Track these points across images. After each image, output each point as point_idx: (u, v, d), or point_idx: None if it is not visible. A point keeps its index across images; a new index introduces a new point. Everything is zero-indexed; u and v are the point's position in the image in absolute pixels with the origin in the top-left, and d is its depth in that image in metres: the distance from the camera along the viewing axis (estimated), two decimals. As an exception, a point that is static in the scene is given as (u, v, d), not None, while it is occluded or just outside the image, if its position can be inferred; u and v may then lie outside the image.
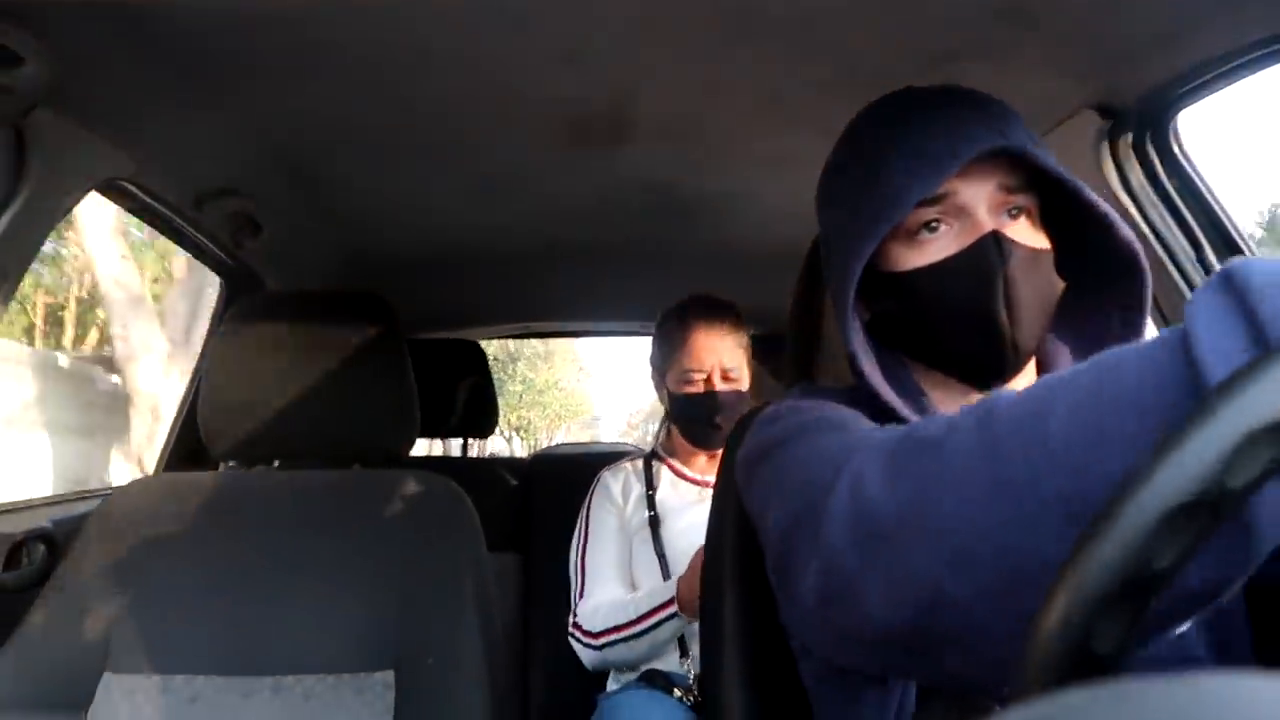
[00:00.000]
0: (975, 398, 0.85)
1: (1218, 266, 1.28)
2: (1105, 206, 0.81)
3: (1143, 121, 1.27)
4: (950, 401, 0.86)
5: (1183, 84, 1.18)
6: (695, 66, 1.25)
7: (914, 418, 0.82)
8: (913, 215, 0.81)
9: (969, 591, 0.54)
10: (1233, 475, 0.40)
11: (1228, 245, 1.29)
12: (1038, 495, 0.50)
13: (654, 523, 1.84)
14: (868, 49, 1.19)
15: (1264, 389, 0.40)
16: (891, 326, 0.88)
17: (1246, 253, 1.28)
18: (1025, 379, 0.86)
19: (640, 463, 1.95)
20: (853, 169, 0.88)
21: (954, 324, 0.81)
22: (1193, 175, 1.30)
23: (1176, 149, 1.29)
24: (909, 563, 0.58)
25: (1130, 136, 1.29)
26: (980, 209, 0.80)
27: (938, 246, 0.81)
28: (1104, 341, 0.86)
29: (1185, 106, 1.24)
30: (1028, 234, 0.81)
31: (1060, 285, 0.83)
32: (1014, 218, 0.81)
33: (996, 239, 0.78)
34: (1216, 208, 1.29)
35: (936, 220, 0.81)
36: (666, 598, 1.65)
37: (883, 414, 0.87)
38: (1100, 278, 0.85)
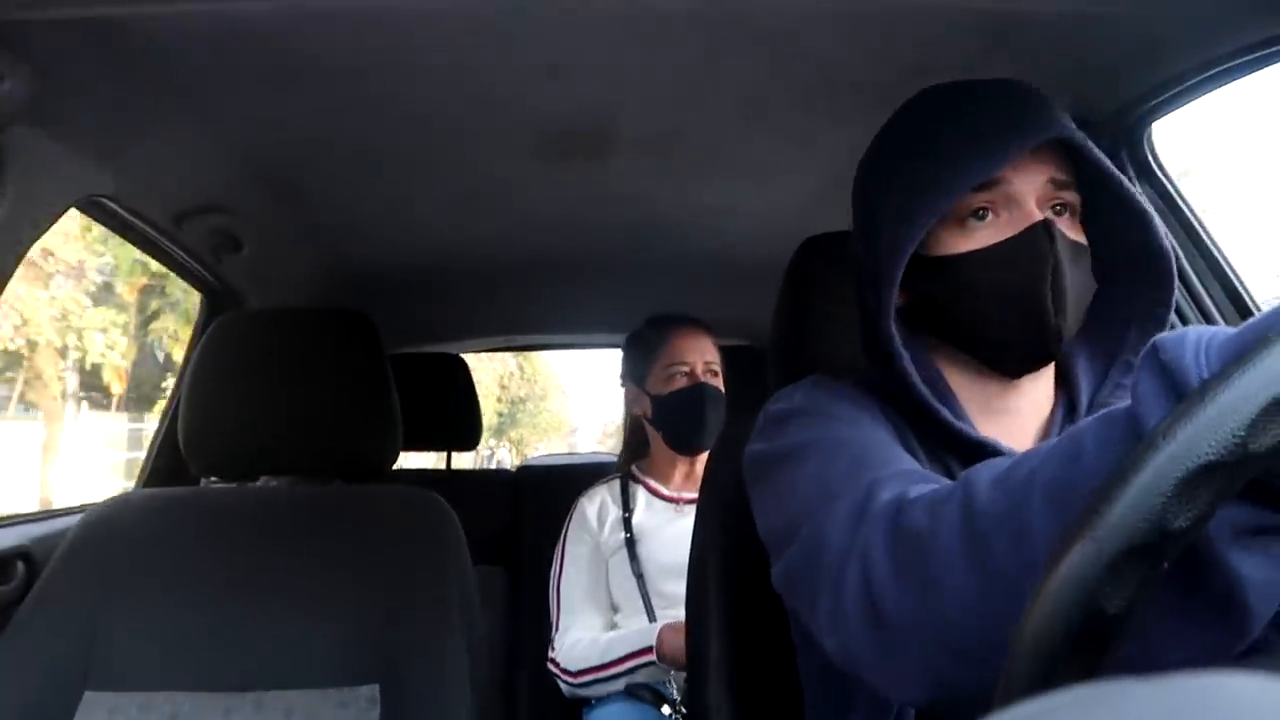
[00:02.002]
0: (995, 387, 0.86)
1: (1193, 276, 1.29)
2: (1147, 206, 0.83)
3: (1117, 133, 1.29)
4: (971, 390, 0.87)
5: (1155, 96, 1.20)
6: (677, 80, 1.26)
7: (934, 403, 0.83)
8: (963, 201, 0.82)
9: (972, 680, 0.57)
10: (1174, 517, 0.40)
11: (1202, 255, 1.31)
12: (1027, 592, 0.52)
13: (630, 544, 1.84)
14: (845, 61, 1.19)
15: (1196, 432, 0.41)
16: (929, 312, 0.88)
17: (1221, 261, 1.29)
18: (1046, 375, 0.88)
19: (616, 485, 1.95)
20: (904, 153, 0.88)
21: (1000, 309, 0.82)
22: (1167, 185, 1.31)
23: (1151, 160, 1.31)
24: (914, 654, 0.61)
25: (1105, 146, 1.30)
26: (1030, 199, 0.81)
27: (986, 234, 0.82)
28: (1120, 347, 0.88)
29: (1159, 118, 1.26)
30: (1072, 230, 0.83)
31: (1094, 285, 0.84)
32: (1059, 214, 0.82)
33: (1047, 227, 0.79)
34: (1191, 218, 1.31)
35: (985, 208, 0.82)
36: (644, 644, 1.65)
37: (895, 401, 0.88)
38: (1128, 282, 0.86)
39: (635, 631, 1.70)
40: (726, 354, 1.94)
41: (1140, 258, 0.85)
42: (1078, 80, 1.22)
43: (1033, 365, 0.84)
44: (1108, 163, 0.81)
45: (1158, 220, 0.83)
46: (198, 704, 1.19)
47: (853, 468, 0.74)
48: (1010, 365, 0.85)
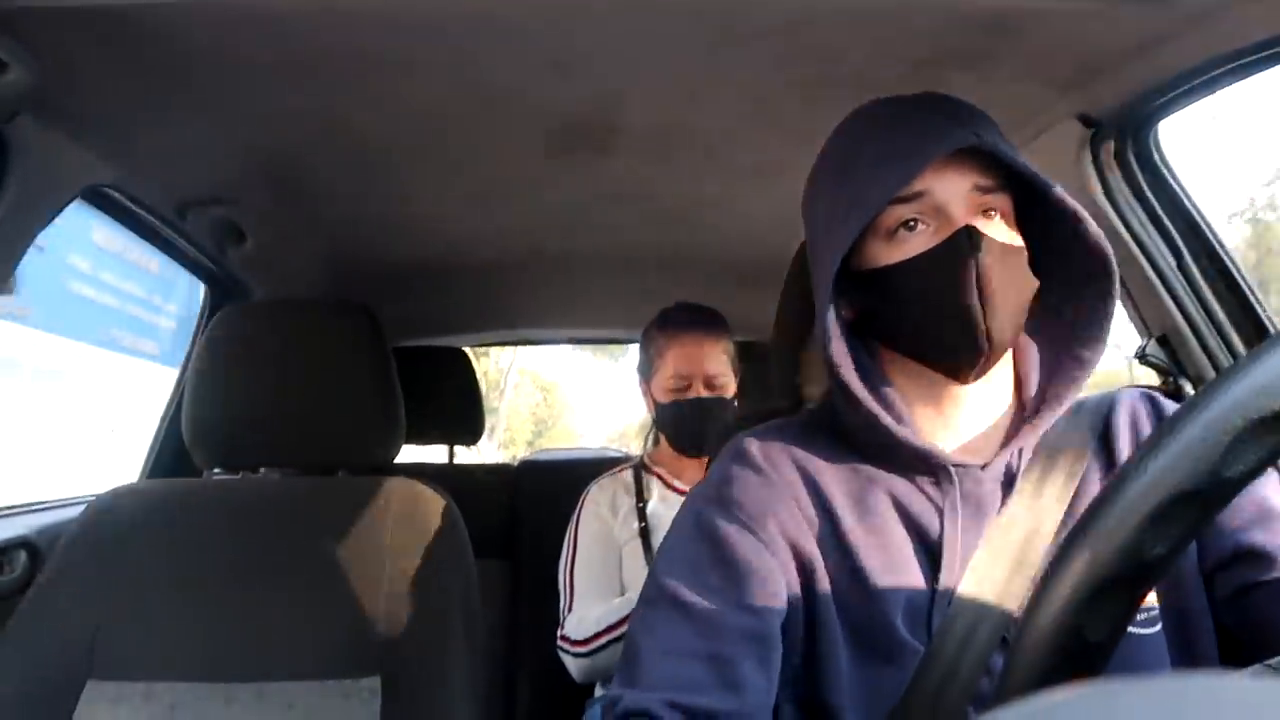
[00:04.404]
0: (948, 394, 0.87)
1: (1197, 274, 1.29)
2: (1074, 204, 0.83)
3: (1124, 131, 1.28)
4: (925, 399, 0.88)
5: (1162, 94, 1.19)
6: (680, 73, 1.26)
7: (885, 417, 0.84)
8: (890, 214, 0.83)
9: None
10: (1227, 466, 0.41)
11: (1208, 253, 1.30)
12: None
13: (645, 534, 1.83)
14: (852, 57, 1.19)
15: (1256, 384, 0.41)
16: (871, 323, 0.90)
17: (1226, 260, 1.29)
18: (999, 375, 0.88)
19: (629, 474, 1.95)
20: (828, 172, 0.90)
21: (929, 316, 0.83)
22: (1173, 183, 1.31)
23: (1157, 158, 1.31)
24: None
25: (1112, 145, 1.30)
26: (955, 207, 0.81)
27: (915, 244, 0.83)
28: (1070, 342, 0.88)
29: (1166, 116, 1.26)
30: (1002, 232, 0.83)
31: (1034, 283, 0.85)
32: (989, 217, 0.83)
33: (969, 233, 0.80)
34: (1197, 216, 1.31)
35: (914, 219, 0.83)
36: None
37: (839, 433, 0.90)
38: (1072, 278, 0.87)
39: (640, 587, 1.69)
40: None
41: (1079, 253, 0.85)
42: (1083, 77, 1.22)
43: (972, 368, 0.84)
44: (1029, 167, 0.81)
45: (1087, 218, 0.83)
46: (199, 694, 1.19)
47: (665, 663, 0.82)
48: (954, 369, 0.85)
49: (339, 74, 1.23)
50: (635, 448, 3.21)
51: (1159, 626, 0.82)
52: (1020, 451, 0.87)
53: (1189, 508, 0.40)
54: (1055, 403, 0.86)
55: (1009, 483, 0.86)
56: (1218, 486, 0.40)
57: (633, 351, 2.13)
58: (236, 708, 1.18)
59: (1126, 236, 1.30)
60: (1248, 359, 0.43)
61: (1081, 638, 0.42)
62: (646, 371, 1.89)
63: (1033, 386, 0.89)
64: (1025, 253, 0.84)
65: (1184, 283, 1.30)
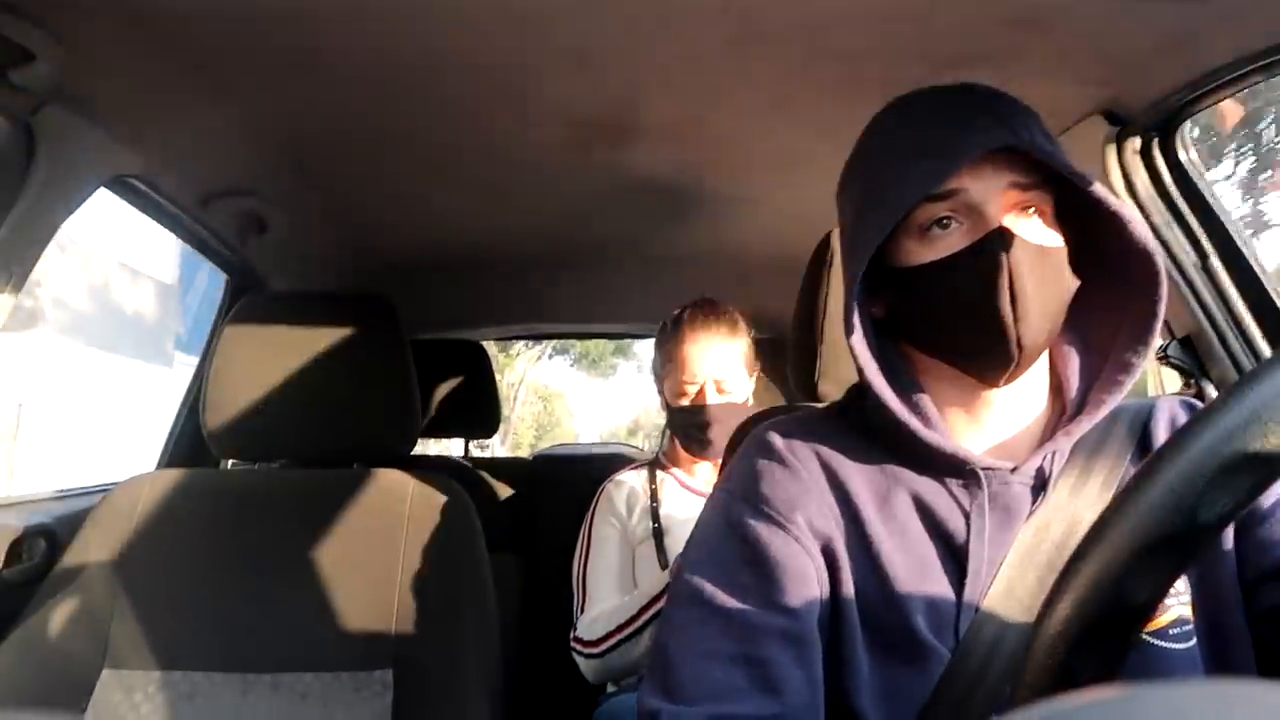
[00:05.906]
0: (980, 396, 0.85)
1: (1223, 274, 1.27)
2: (1117, 204, 0.80)
3: (1150, 128, 1.27)
4: (956, 400, 0.86)
5: (1190, 91, 1.18)
6: (702, 70, 1.25)
7: (911, 420, 0.82)
8: (924, 211, 0.80)
9: None
10: (1205, 510, 0.40)
11: (1232, 254, 1.28)
12: None
13: (658, 534, 1.83)
14: (875, 54, 1.19)
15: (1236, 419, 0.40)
16: (900, 322, 0.88)
17: (1251, 261, 1.27)
18: (1035, 376, 0.86)
19: (644, 474, 1.94)
20: (862, 165, 0.88)
21: (960, 318, 0.80)
22: (1198, 182, 1.29)
23: (1183, 155, 1.29)
24: None
25: (1137, 142, 1.29)
26: (991, 206, 0.79)
27: (948, 243, 0.80)
28: (1113, 345, 0.85)
29: (1192, 114, 1.24)
30: (1040, 232, 0.80)
31: (1074, 284, 0.82)
32: (1026, 215, 0.80)
33: (1003, 234, 0.77)
34: (1221, 215, 1.29)
35: (948, 217, 0.80)
36: (663, 586, 1.63)
37: (865, 429, 0.88)
38: (1115, 278, 0.84)
39: (649, 585, 1.68)
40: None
41: (1124, 255, 0.82)
42: (1110, 73, 1.21)
43: (1002, 371, 0.81)
44: (1071, 167, 0.79)
45: (1131, 218, 0.80)
46: (214, 683, 1.20)
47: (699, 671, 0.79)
48: (984, 373, 0.83)
49: (361, 67, 1.24)
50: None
51: (1193, 642, 0.79)
52: (1054, 455, 0.85)
53: (1169, 552, 0.40)
54: (1095, 407, 0.83)
55: (1040, 486, 0.84)
56: (1195, 531, 0.40)
57: (623, 370, 2.14)
58: (251, 698, 1.19)
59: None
60: (1220, 401, 0.42)
61: (1076, 679, 0.42)
62: (659, 372, 1.88)
63: (1072, 389, 0.87)
64: (1064, 252, 0.81)
65: (1208, 283, 1.28)
